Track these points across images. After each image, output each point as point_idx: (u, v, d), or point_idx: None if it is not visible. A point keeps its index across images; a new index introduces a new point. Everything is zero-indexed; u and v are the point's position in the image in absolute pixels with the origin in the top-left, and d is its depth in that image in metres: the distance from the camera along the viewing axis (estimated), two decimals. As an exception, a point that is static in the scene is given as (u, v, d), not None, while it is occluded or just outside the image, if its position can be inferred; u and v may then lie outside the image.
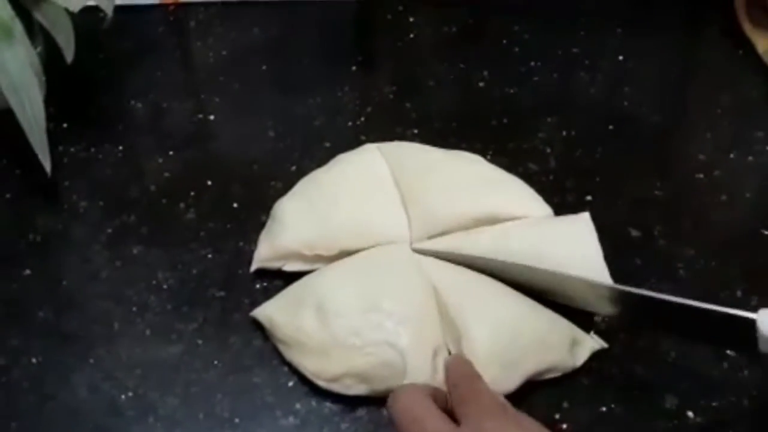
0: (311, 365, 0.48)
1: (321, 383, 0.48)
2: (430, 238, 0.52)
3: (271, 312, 0.50)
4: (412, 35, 0.67)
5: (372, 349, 0.47)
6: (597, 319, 0.51)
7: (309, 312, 0.48)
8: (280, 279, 0.52)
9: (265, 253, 0.52)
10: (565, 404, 0.48)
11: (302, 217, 0.53)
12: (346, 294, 0.49)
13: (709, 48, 0.69)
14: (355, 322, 0.48)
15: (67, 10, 0.54)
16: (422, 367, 0.47)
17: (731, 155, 0.60)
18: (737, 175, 0.59)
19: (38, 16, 0.54)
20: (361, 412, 0.48)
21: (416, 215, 0.53)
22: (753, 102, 0.63)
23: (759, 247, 0.55)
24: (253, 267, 0.53)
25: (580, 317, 0.50)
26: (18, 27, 0.52)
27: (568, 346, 0.49)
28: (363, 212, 0.53)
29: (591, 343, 0.50)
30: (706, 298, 0.52)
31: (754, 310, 0.47)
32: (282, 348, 0.49)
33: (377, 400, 0.47)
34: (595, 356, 0.50)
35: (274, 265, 0.52)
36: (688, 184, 0.58)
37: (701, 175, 0.59)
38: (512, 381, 0.47)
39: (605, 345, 0.50)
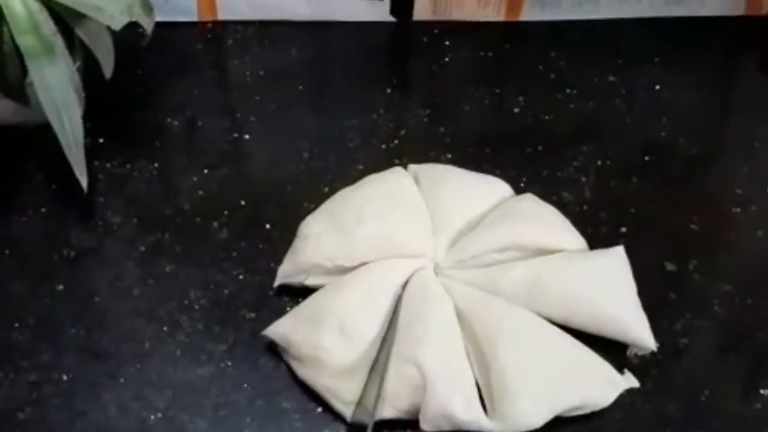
0: (331, 384, 0.48)
1: (337, 405, 0.47)
2: (459, 262, 0.52)
3: (286, 330, 0.50)
4: (447, 59, 0.67)
5: (395, 368, 0.47)
6: (630, 354, 0.51)
7: (330, 330, 0.48)
8: (310, 301, 0.52)
9: (288, 268, 0.52)
10: (596, 440, 0.48)
11: (326, 232, 0.52)
12: (367, 310, 0.48)
13: (746, 80, 0.68)
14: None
15: (108, 27, 0.54)
16: (445, 385, 0.46)
17: (768, 190, 0.59)
18: (775, 210, 0.58)
19: (80, 32, 0.54)
20: (386, 434, 0.47)
21: (445, 238, 0.53)
22: (791, 136, 0.63)
23: (796, 285, 0.54)
24: (276, 282, 0.52)
25: (613, 352, 0.50)
26: (59, 43, 0.52)
27: (600, 384, 0.48)
28: (389, 227, 0.52)
29: (623, 383, 0.49)
30: (742, 335, 0.52)
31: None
32: (296, 366, 0.49)
33: (402, 425, 0.47)
34: (628, 392, 0.49)
35: (297, 279, 0.52)
36: (725, 219, 0.58)
37: (738, 210, 0.58)
38: (540, 416, 0.47)
39: (637, 384, 0.49)
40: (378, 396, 0.47)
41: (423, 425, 0.47)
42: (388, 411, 0.47)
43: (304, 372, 0.49)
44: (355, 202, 0.54)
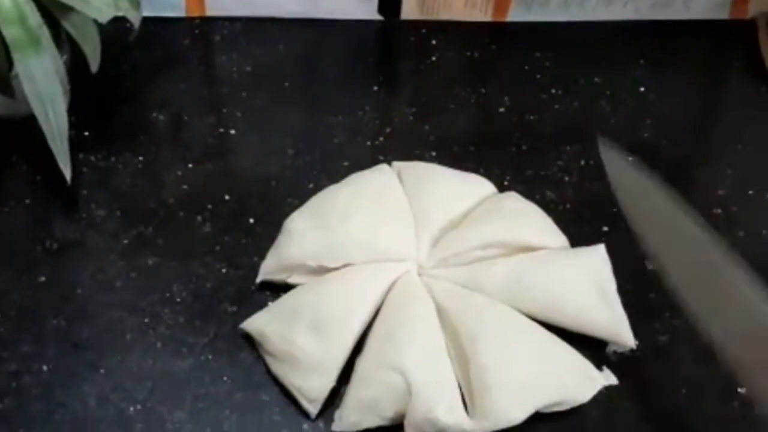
0: (298, 381, 0.48)
1: (302, 402, 0.48)
2: (441, 260, 0.52)
3: (262, 324, 0.50)
4: (434, 58, 0.68)
5: (379, 376, 0.47)
6: (609, 351, 0.51)
7: (302, 327, 0.48)
8: (292, 297, 0.52)
9: (271, 265, 0.53)
10: (574, 437, 0.48)
11: (310, 230, 0.52)
12: (342, 310, 0.49)
13: (732, 83, 0.69)
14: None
15: (95, 20, 0.54)
16: (427, 389, 0.47)
17: (750, 191, 0.60)
18: (756, 211, 0.59)
19: (66, 25, 0.54)
20: (369, 434, 0.48)
21: (428, 236, 0.53)
22: (774, 139, 0.63)
23: (775, 285, 0.55)
24: (259, 279, 0.53)
25: (592, 349, 0.50)
26: (46, 36, 0.52)
27: (579, 381, 0.48)
28: (373, 228, 0.53)
29: (602, 379, 0.49)
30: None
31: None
32: (270, 361, 0.49)
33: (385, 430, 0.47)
34: (607, 389, 0.49)
35: (280, 277, 0.52)
36: (706, 219, 0.58)
37: (719, 210, 0.58)
38: (520, 412, 0.47)
39: (616, 381, 0.49)
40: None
41: (408, 431, 0.47)
42: (371, 419, 0.47)
43: (275, 366, 0.49)
44: (341, 201, 0.54)
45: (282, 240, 0.53)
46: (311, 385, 0.47)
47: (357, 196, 0.55)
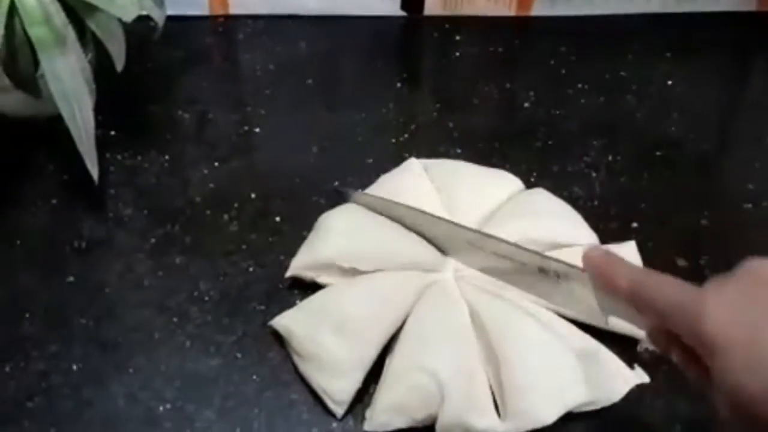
0: (323, 381, 0.48)
1: (328, 402, 0.47)
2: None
3: (289, 322, 0.50)
4: (457, 53, 0.67)
5: (411, 378, 0.47)
6: (640, 349, 0.50)
7: (329, 328, 0.48)
8: (320, 294, 0.52)
9: (303, 261, 0.52)
10: (605, 435, 0.48)
11: (345, 231, 0.52)
12: (370, 314, 0.48)
13: (758, 75, 0.68)
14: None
15: (119, 19, 0.54)
16: (459, 392, 0.46)
17: (780, 186, 0.59)
18: (787, 206, 0.58)
19: (91, 24, 0.54)
20: (398, 433, 0.47)
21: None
22: (804, 132, 0.63)
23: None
24: (289, 273, 0.52)
25: (624, 347, 0.50)
26: (71, 35, 0.53)
27: (610, 380, 0.48)
28: (407, 235, 0.52)
29: (634, 378, 0.49)
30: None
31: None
32: (297, 360, 0.49)
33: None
34: (638, 387, 0.49)
35: (309, 275, 0.52)
36: (736, 214, 0.57)
37: (749, 205, 0.58)
38: (551, 413, 0.46)
39: (647, 380, 0.49)
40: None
41: None
42: (403, 420, 0.47)
43: (302, 366, 0.49)
44: (376, 205, 0.54)
45: (316, 237, 0.53)
46: (337, 387, 0.47)
47: (391, 200, 0.54)
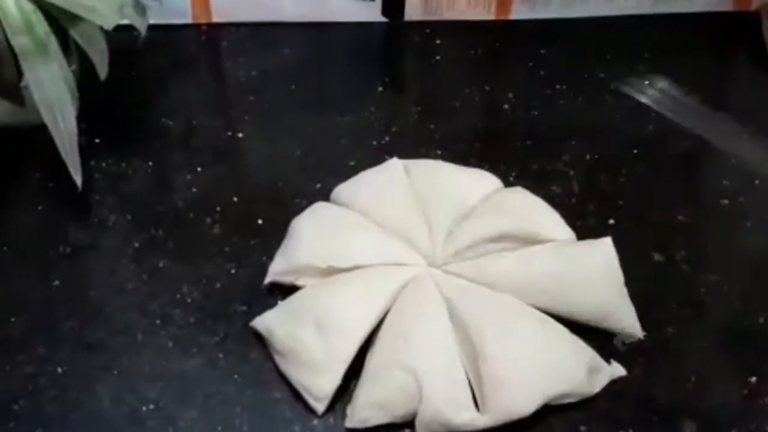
0: (304, 379, 0.48)
1: (309, 400, 0.48)
2: (451, 255, 0.52)
3: (270, 322, 0.50)
4: (438, 57, 0.68)
5: (390, 375, 0.47)
6: (617, 343, 0.51)
7: (308, 326, 0.49)
8: (301, 295, 0.53)
9: (279, 267, 0.53)
10: (583, 427, 0.48)
11: (318, 231, 0.53)
12: (349, 311, 0.49)
13: (736, 74, 0.69)
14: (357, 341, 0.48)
15: (101, 27, 0.55)
16: (438, 388, 0.47)
17: (756, 181, 0.60)
18: (762, 201, 0.59)
19: (73, 33, 0.55)
20: (379, 430, 0.48)
21: (438, 232, 0.53)
22: (780, 128, 0.63)
23: (783, 274, 0.55)
24: (267, 280, 0.53)
25: (600, 341, 0.50)
26: (53, 43, 0.54)
27: (587, 373, 0.49)
28: (383, 230, 0.53)
29: (610, 371, 0.49)
30: (728, 324, 0.52)
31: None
32: (278, 359, 0.50)
33: (396, 427, 0.48)
34: (615, 380, 0.49)
35: (288, 279, 0.53)
36: (713, 210, 0.58)
37: (726, 201, 0.59)
38: (529, 404, 0.47)
39: (624, 373, 0.50)
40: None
41: (419, 430, 0.47)
42: (383, 416, 0.48)
43: (283, 364, 0.49)
44: (350, 201, 0.55)
45: (290, 242, 0.54)
46: (317, 384, 0.48)
47: (367, 196, 0.55)
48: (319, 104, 0.65)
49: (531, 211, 0.55)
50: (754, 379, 0.50)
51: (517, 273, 0.51)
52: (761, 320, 0.52)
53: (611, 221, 0.57)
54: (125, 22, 0.56)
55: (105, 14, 0.53)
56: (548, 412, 0.48)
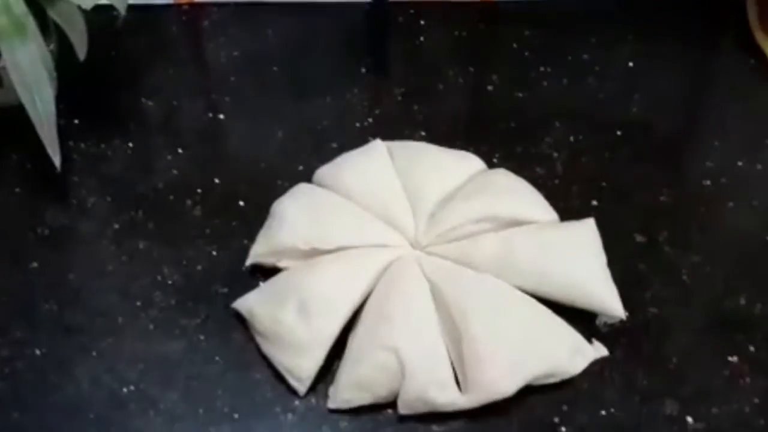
0: (286, 360, 0.48)
1: (291, 381, 0.48)
2: (434, 236, 0.52)
3: (252, 304, 0.50)
4: (422, 38, 0.68)
5: (373, 356, 0.47)
6: (599, 323, 0.51)
7: (290, 307, 0.48)
8: (283, 277, 0.52)
9: (261, 248, 0.53)
10: (565, 407, 0.48)
11: (301, 213, 0.53)
12: (331, 292, 0.49)
13: (721, 56, 0.69)
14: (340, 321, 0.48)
15: (80, 7, 0.54)
16: (421, 368, 0.47)
17: (739, 163, 0.60)
18: (744, 182, 0.59)
19: (52, 13, 0.55)
20: (361, 410, 0.48)
21: (421, 213, 0.53)
22: (763, 110, 0.63)
23: (764, 254, 0.55)
24: (248, 262, 0.53)
25: (583, 321, 0.50)
26: (31, 24, 0.53)
27: (569, 353, 0.49)
28: (366, 211, 0.53)
29: (592, 351, 0.49)
30: (710, 305, 0.52)
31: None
32: (260, 340, 0.49)
33: (379, 407, 0.48)
34: (597, 360, 0.49)
35: (270, 261, 0.52)
36: (695, 191, 0.58)
37: (708, 182, 0.59)
38: (511, 384, 0.47)
39: (606, 353, 0.50)
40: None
41: (401, 410, 0.47)
42: (365, 397, 0.48)
43: (264, 346, 0.49)
44: (332, 182, 0.55)
45: (272, 223, 0.53)
46: (298, 365, 0.48)
47: (348, 177, 0.55)
48: (301, 85, 0.64)
49: (514, 192, 0.55)
50: (735, 359, 0.50)
51: (500, 254, 0.51)
52: (743, 301, 0.52)
53: (594, 203, 0.57)
54: (104, 1, 0.56)
55: (83, -7, 0.53)
56: (530, 392, 0.48)
